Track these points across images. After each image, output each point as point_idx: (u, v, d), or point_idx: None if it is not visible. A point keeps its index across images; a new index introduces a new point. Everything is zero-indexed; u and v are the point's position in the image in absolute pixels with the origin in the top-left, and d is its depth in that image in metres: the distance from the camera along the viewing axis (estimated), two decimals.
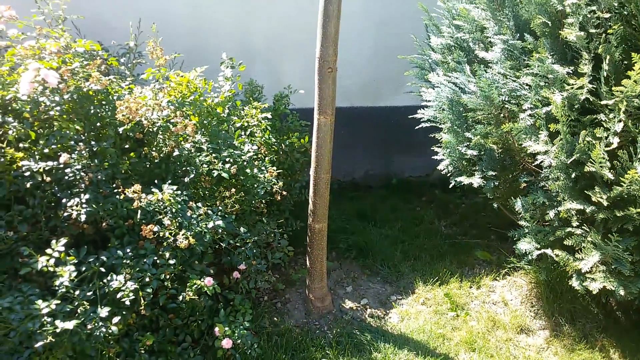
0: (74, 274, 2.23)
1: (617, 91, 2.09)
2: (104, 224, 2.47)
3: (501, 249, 3.70)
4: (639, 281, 2.36)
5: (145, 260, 2.42)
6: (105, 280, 2.32)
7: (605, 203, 2.20)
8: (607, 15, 2.18)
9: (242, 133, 3.06)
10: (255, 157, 2.92)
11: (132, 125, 2.53)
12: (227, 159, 2.71)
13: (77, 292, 2.23)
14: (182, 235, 2.33)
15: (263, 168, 2.85)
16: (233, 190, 2.63)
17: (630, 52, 2.10)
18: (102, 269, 2.37)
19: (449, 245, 3.80)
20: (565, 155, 2.28)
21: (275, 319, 3.01)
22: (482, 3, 2.76)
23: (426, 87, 3.29)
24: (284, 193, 2.85)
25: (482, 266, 3.56)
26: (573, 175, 2.34)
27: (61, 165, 2.41)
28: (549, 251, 2.65)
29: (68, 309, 2.19)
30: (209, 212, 2.48)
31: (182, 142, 2.69)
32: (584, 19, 2.22)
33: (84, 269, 2.34)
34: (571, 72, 2.36)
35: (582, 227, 2.46)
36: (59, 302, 2.17)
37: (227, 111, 2.93)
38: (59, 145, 2.49)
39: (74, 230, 2.48)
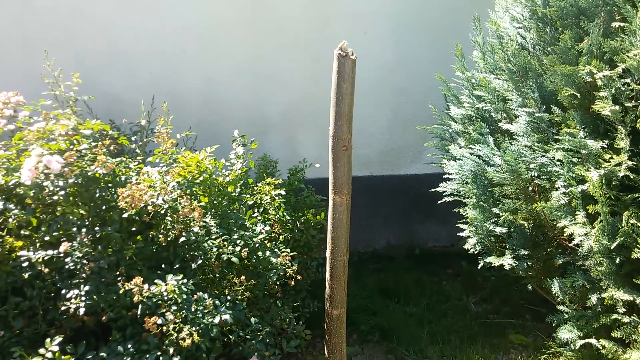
0: None
1: None
2: (104, 316, 2.31)
3: (537, 330, 3.39)
4: None
5: (147, 356, 2.23)
6: None
7: None
8: None
9: (255, 211, 2.91)
10: (268, 237, 2.76)
11: (137, 210, 2.40)
12: (238, 241, 2.56)
13: None
14: (186, 331, 2.14)
15: (276, 250, 2.68)
16: (243, 277, 2.46)
17: None
18: None
19: (480, 326, 3.50)
20: (607, 239, 2.06)
21: None
22: (503, 74, 2.63)
23: (447, 159, 3.13)
24: (299, 277, 2.66)
25: (517, 351, 3.25)
26: (617, 260, 2.11)
27: (61, 255, 2.28)
28: (593, 341, 2.38)
29: None
30: (217, 302, 2.30)
31: (191, 225, 2.55)
32: (617, 91, 2.06)
33: None
34: (606, 146, 2.18)
35: (632, 315, 2.20)
36: None
37: (238, 190, 2.80)
38: (61, 232, 2.37)
39: (73, 323, 2.32)
